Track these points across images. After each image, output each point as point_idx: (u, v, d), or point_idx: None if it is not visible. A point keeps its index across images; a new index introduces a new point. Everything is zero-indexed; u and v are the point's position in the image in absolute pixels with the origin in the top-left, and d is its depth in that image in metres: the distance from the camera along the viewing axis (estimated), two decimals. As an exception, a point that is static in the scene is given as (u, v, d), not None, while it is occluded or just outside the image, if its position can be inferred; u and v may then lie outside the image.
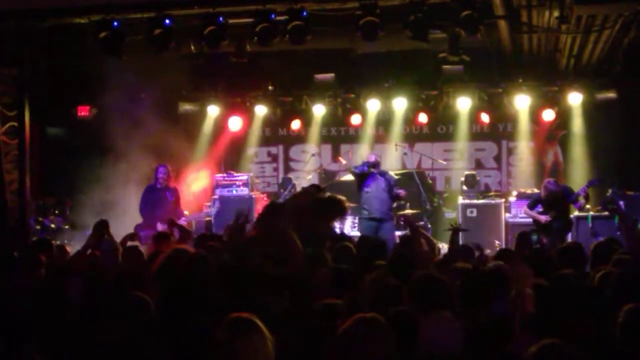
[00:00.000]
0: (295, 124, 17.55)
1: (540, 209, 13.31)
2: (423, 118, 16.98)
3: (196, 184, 16.80)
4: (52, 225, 15.19)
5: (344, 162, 17.26)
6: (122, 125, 15.40)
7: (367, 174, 13.52)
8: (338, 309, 5.14)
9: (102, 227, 8.66)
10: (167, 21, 12.48)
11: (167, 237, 9.43)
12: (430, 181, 17.11)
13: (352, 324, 4.01)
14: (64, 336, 5.20)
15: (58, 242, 14.15)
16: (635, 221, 13.55)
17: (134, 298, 5.06)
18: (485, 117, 16.76)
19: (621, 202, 14.12)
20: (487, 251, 11.92)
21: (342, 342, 3.93)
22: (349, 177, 17.08)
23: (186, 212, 14.44)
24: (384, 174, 13.67)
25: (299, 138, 18.19)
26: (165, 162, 14.34)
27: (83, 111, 16.79)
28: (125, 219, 14.28)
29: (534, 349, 3.72)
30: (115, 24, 12.61)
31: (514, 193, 15.81)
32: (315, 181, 17.74)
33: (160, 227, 13.20)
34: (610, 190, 14.62)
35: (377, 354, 3.86)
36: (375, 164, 13.62)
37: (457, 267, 6.57)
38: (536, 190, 14.65)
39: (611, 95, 15.73)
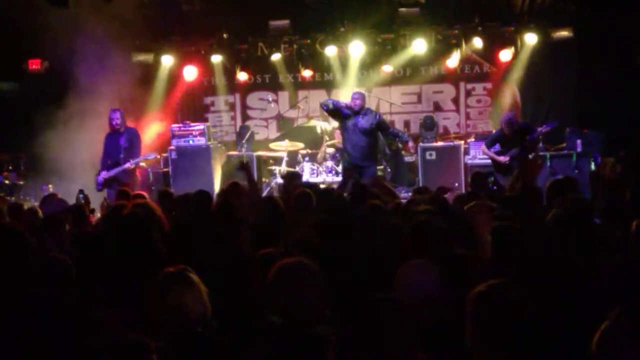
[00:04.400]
0: (242, 76, 17.32)
1: (498, 148, 13.26)
2: (388, 68, 16.97)
3: (150, 135, 16.56)
4: (7, 182, 14.98)
5: (302, 108, 17.17)
6: (75, 78, 15.14)
7: (348, 119, 12.85)
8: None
9: None
10: (114, -31, 12.19)
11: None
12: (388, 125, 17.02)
13: (277, 269, 4.04)
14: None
15: (13, 199, 14.08)
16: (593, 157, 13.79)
17: (52, 259, 4.95)
18: (452, 62, 16.62)
19: (578, 141, 14.20)
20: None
21: (272, 288, 3.97)
22: (309, 123, 17.09)
23: (143, 164, 14.25)
24: (366, 115, 12.90)
25: (256, 85, 18.00)
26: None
27: (34, 64, 16.48)
28: (81, 171, 14.16)
29: (481, 289, 3.67)
30: (60, -27, 12.24)
31: (473, 135, 15.81)
32: (274, 128, 17.72)
33: (104, 174, 12.93)
34: (567, 129, 14.67)
35: (305, 297, 3.87)
36: (359, 111, 12.80)
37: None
38: (494, 131, 14.62)
39: (567, 33, 15.71)
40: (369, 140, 12.91)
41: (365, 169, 12.57)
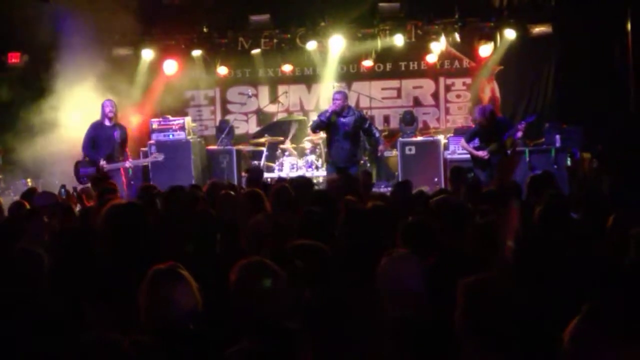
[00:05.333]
0: (222, 70, 17.29)
1: (477, 143, 13.26)
2: (368, 63, 17.02)
3: (130, 129, 16.45)
4: (-15, 176, 14.92)
5: (282, 103, 17.17)
6: (55, 72, 15.07)
7: (331, 122, 12.80)
8: None
9: None
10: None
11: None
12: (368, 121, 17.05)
13: (237, 271, 4.06)
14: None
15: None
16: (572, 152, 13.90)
17: (24, 252, 4.91)
18: (431, 57, 16.67)
19: (557, 136, 14.28)
20: (426, 188, 11.97)
21: (234, 288, 3.99)
22: (289, 118, 17.13)
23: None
24: (347, 116, 12.85)
25: (236, 80, 17.98)
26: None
27: (14, 58, 16.37)
28: (60, 165, 14.09)
29: (468, 281, 3.69)
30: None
31: (452, 130, 15.87)
32: (254, 122, 17.71)
33: (106, 166, 12.80)
34: (547, 124, 14.75)
35: (265, 296, 3.90)
36: (338, 112, 12.73)
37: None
38: (473, 126, 14.66)
39: (547, 29, 15.80)
40: (352, 142, 12.92)
41: (347, 170, 12.59)
